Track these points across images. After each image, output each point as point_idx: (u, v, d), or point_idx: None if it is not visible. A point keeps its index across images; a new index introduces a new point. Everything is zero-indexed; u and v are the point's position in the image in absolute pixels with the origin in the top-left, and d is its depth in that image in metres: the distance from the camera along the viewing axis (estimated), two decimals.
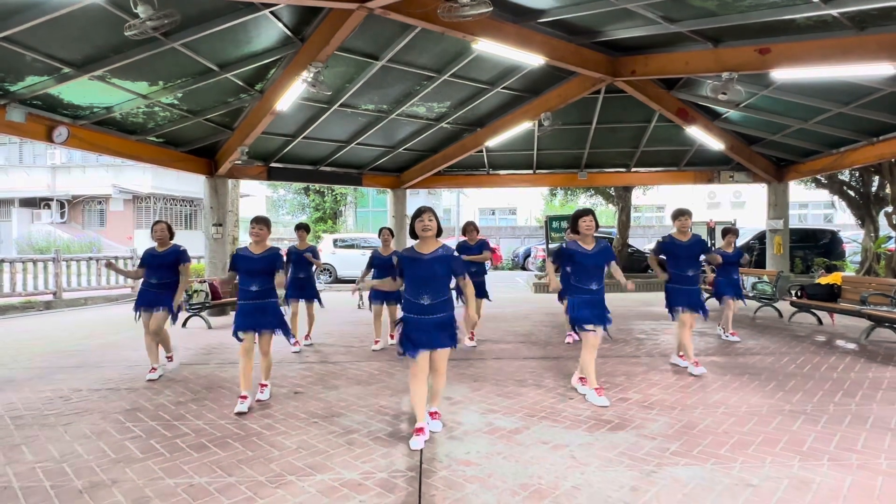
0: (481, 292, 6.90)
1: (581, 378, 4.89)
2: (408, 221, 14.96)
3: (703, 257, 5.95)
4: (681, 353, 5.89)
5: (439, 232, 3.84)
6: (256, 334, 4.68)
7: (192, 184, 27.92)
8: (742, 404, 4.52)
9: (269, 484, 3.17)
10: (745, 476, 3.19)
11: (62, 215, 27.69)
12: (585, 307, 4.63)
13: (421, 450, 3.61)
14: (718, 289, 7.59)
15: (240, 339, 4.64)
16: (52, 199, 27.35)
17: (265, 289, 4.69)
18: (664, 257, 5.76)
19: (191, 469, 3.39)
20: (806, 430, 3.92)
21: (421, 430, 3.73)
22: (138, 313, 5.73)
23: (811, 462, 3.38)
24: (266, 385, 4.93)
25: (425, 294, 3.72)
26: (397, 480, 3.19)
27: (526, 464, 3.39)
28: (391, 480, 3.19)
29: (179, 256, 5.69)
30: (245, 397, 4.55)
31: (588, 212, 4.76)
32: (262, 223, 4.74)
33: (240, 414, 4.41)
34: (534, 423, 4.11)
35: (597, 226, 4.73)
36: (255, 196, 30.94)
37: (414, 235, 3.86)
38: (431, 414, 4.03)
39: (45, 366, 6.23)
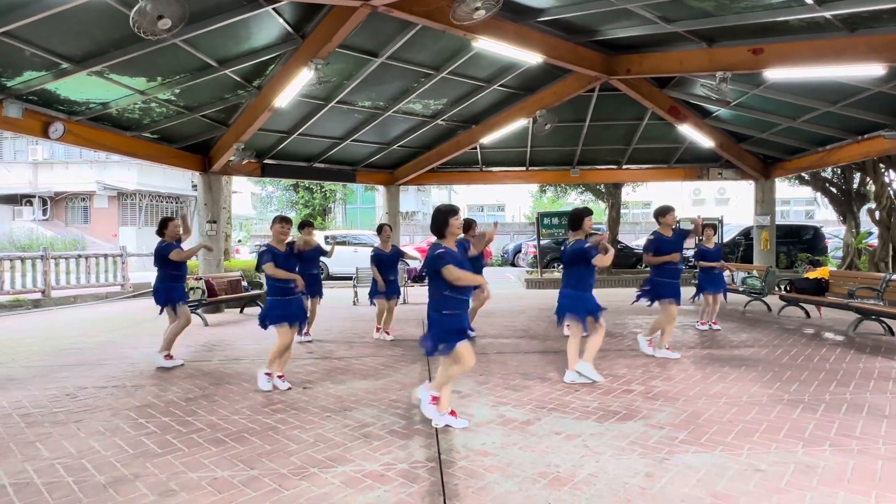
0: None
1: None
2: (401, 218, 14.89)
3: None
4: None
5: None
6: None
7: (178, 180, 27.65)
8: (742, 394, 4.67)
9: (292, 476, 3.22)
10: (754, 462, 3.32)
11: (45, 212, 27.23)
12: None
13: (437, 441, 3.69)
14: (699, 283, 7.89)
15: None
16: (34, 196, 26.88)
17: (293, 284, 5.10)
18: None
19: (211, 463, 3.42)
20: (806, 417, 4.08)
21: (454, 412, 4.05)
22: (164, 309, 6.04)
23: (814, 448, 3.52)
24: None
25: (470, 293, 3.99)
26: (419, 471, 3.26)
27: (542, 453, 3.48)
28: (413, 471, 3.26)
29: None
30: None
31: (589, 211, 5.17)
32: (287, 222, 5.18)
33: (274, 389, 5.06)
34: (544, 415, 4.21)
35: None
36: (241, 193, 30.67)
37: (441, 234, 3.87)
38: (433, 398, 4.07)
39: (45, 364, 6.18)
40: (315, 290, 7.31)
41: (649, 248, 6.07)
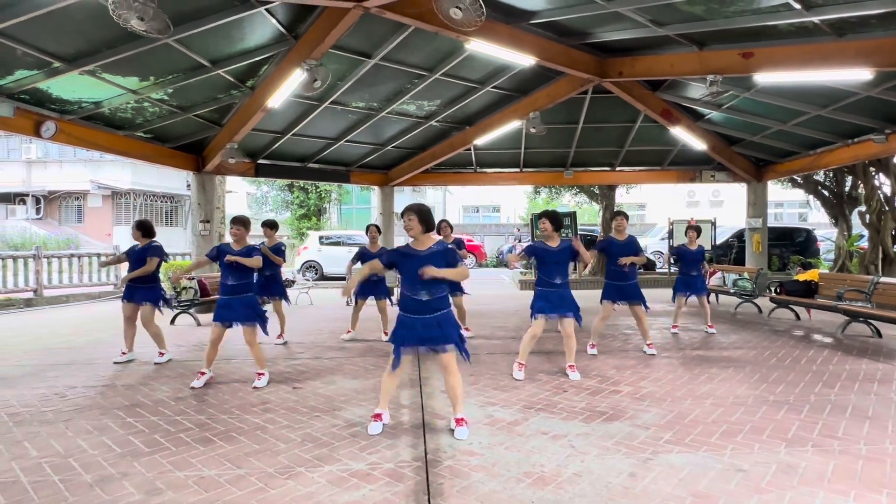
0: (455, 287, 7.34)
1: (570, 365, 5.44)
2: (396, 219, 14.92)
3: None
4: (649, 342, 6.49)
5: (429, 228, 3.83)
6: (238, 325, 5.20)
7: (172, 180, 27.57)
8: (729, 395, 4.71)
9: (278, 475, 3.24)
10: (736, 462, 3.36)
11: (38, 211, 27.11)
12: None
13: (424, 441, 3.72)
14: (675, 285, 8.02)
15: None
16: (27, 195, 26.75)
17: (242, 283, 5.21)
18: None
19: (199, 462, 3.44)
20: (790, 418, 4.12)
21: (378, 416, 3.99)
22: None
23: (796, 448, 3.57)
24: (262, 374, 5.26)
25: (423, 290, 3.75)
26: (404, 470, 3.28)
27: (528, 453, 3.51)
28: (398, 470, 3.28)
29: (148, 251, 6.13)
30: (203, 373, 5.22)
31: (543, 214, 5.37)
32: (239, 224, 5.29)
33: (193, 388, 5.05)
34: (531, 415, 4.24)
35: (556, 227, 5.27)
36: (236, 192, 30.59)
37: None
38: (457, 421, 3.88)
39: (36, 363, 6.17)
40: (272, 292, 7.18)
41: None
